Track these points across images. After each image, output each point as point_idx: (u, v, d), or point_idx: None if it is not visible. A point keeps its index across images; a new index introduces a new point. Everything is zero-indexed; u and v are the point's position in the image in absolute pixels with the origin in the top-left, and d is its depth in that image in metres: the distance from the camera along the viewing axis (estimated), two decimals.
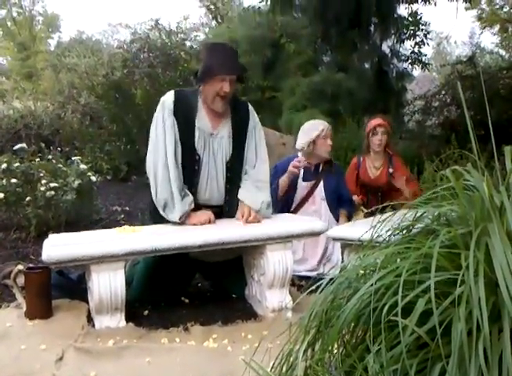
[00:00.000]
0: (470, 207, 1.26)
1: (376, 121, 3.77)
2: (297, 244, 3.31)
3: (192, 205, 2.65)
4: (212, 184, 2.73)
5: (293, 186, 3.49)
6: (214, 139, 2.73)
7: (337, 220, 3.51)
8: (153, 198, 2.64)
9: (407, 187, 3.66)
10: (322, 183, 3.54)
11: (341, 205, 3.59)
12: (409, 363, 1.06)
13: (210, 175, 2.72)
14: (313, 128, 3.53)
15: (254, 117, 2.84)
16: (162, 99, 2.70)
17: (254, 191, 2.75)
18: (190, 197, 2.64)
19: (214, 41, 2.92)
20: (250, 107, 2.87)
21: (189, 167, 2.67)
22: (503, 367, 0.99)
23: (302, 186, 3.51)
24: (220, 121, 2.75)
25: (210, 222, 2.65)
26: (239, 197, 2.76)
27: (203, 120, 2.71)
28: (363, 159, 3.84)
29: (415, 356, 1.10)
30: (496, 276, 1.05)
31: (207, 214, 2.67)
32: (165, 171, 2.59)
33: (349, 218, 3.59)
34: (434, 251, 1.13)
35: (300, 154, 3.56)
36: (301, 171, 3.50)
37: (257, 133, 2.84)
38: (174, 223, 2.64)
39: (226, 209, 2.80)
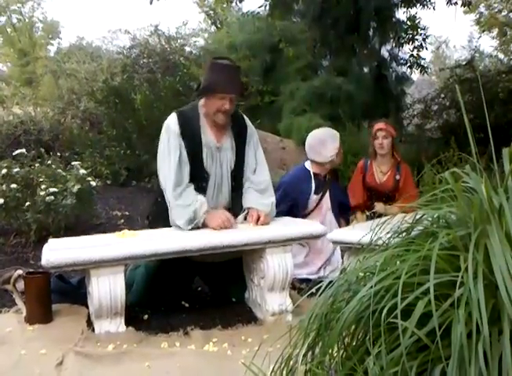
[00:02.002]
0: (469, 209, 1.26)
1: (377, 125, 3.77)
2: (299, 248, 3.29)
3: (205, 207, 2.63)
4: (218, 194, 2.79)
5: (305, 200, 3.45)
6: (220, 152, 2.78)
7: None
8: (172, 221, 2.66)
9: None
10: (328, 194, 3.50)
11: (341, 213, 3.58)
12: (409, 366, 1.06)
13: (217, 186, 2.78)
14: (335, 140, 3.49)
15: (250, 126, 2.93)
16: (166, 122, 2.75)
17: (260, 196, 2.80)
18: (200, 202, 2.63)
19: (218, 58, 2.91)
20: (245, 117, 2.96)
21: (198, 185, 2.71)
22: (503, 369, 0.99)
23: (313, 199, 3.47)
24: (223, 133, 2.81)
25: (229, 223, 2.63)
26: (247, 205, 2.79)
27: (207, 135, 2.76)
28: (370, 162, 3.82)
29: (415, 358, 1.10)
30: (496, 277, 1.05)
31: (225, 214, 2.66)
32: (175, 194, 2.62)
33: (347, 222, 3.61)
34: (433, 253, 1.13)
35: (307, 164, 3.53)
36: (313, 185, 3.46)
37: (255, 140, 2.92)
38: (174, 228, 2.65)
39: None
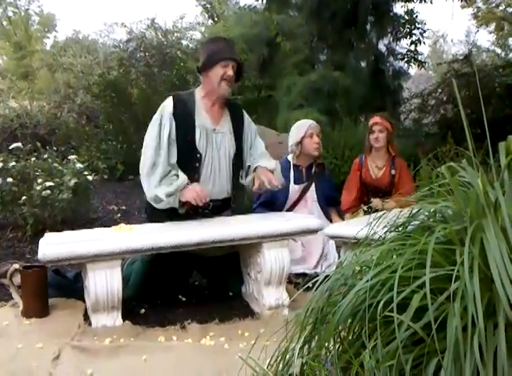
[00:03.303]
0: (465, 203, 1.27)
1: (373, 119, 3.77)
2: (295, 244, 3.29)
3: (185, 182, 2.63)
4: (215, 178, 2.79)
5: (284, 190, 3.46)
6: (216, 134, 2.81)
7: (329, 219, 3.52)
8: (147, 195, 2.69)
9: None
10: (313, 185, 3.54)
11: (330, 205, 3.63)
12: (405, 359, 1.07)
13: (214, 170, 2.79)
14: (298, 130, 3.57)
15: (246, 115, 2.98)
16: (162, 104, 2.80)
17: (263, 158, 2.88)
18: (180, 179, 2.64)
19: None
20: (242, 107, 3.02)
21: (190, 165, 2.73)
22: (498, 362, 1.00)
23: (294, 190, 3.51)
24: (220, 117, 2.85)
25: (202, 196, 2.62)
26: (252, 166, 2.84)
27: (203, 117, 2.80)
28: (365, 158, 3.82)
29: (410, 351, 1.10)
30: (491, 271, 1.05)
31: (198, 188, 2.65)
32: (152, 168, 2.65)
33: (339, 214, 3.64)
34: (429, 247, 1.13)
35: (290, 157, 3.58)
36: (292, 175, 3.52)
37: (254, 129, 2.97)
38: (171, 222, 2.65)
39: (233, 205, 2.87)
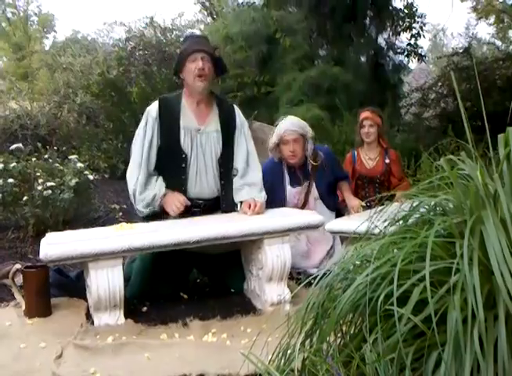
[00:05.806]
0: (465, 196, 1.26)
1: (363, 114, 3.79)
2: (300, 238, 3.25)
3: (163, 191, 2.71)
4: (202, 179, 2.79)
5: (280, 192, 3.36)
6: (201, 134, 2.80)
7: (334, 207, 3.47)
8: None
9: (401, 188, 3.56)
10: (314, 186, 3.43)
11: (339, 181, 3.55)
12: (406, 352, 1.07)
13: (199, 170, 2.79)
14: (274, 135, 3.36)
15: (240, 116, 2.93)
16: (147, 108, 2.83)
17: (254, 189, 2.82)
18: (158, 187, 2.72)
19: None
20: (236, 107, 2.95)
21: (177, 166, 2.75)
22: (499, 354, 1.00)
23: (291, 192, 3.39)
24: (206, 116, 2.83)
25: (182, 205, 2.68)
26: (241, 198, 2.80)
27: (188, 118, 2.80)
28: (357, 152, 3.85)
29: (411, 344, 1.10)
30: (491, 263, 1.05)
31: (179, 198, 2.69)
32: (134, 174, 2.74)
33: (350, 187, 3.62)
34: (429, 240, 1.13)
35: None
36: (287, 177, 3.40)
37: (246, 132, 2.91)
38: (172, 220, 2.65)
39: (223, 205, 2.84)
